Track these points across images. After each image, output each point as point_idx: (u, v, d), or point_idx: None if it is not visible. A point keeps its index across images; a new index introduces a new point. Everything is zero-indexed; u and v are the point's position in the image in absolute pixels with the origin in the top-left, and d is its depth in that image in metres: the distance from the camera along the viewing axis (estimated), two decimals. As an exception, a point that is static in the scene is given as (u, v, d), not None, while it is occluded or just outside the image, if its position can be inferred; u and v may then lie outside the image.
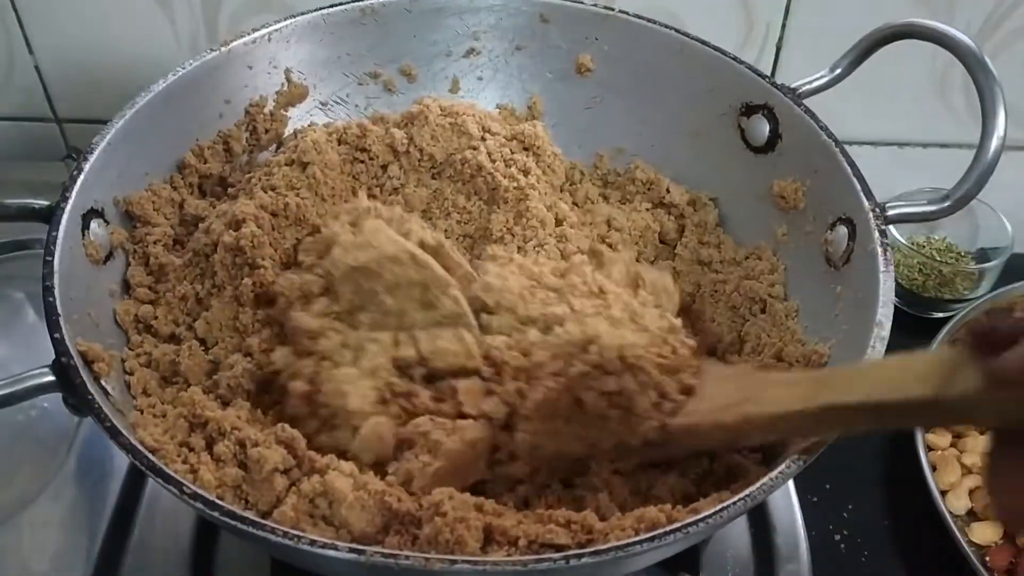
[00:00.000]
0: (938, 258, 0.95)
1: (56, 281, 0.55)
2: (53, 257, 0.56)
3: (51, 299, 0.55)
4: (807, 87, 0.71)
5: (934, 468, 0.78)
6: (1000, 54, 0.92)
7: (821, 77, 0.71)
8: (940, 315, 0.93)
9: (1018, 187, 0.96)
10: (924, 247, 0.97)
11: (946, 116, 0.97)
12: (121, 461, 0.72)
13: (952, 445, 0.80)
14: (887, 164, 1.01)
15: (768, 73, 0.72)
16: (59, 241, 0.58)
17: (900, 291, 0.94)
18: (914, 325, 0.94)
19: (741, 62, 0.73)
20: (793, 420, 0.50)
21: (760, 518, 0.73)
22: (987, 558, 0.73)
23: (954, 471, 0.77)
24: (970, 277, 0.93)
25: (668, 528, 0.46)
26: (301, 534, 0.45)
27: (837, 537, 0.77)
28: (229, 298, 0.63)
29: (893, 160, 1.01)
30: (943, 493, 0.76)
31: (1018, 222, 0.93)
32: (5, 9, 0.93)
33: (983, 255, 0.96)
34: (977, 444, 0.79)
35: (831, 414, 0.49)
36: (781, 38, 0.92)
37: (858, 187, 0.63)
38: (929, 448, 0.79)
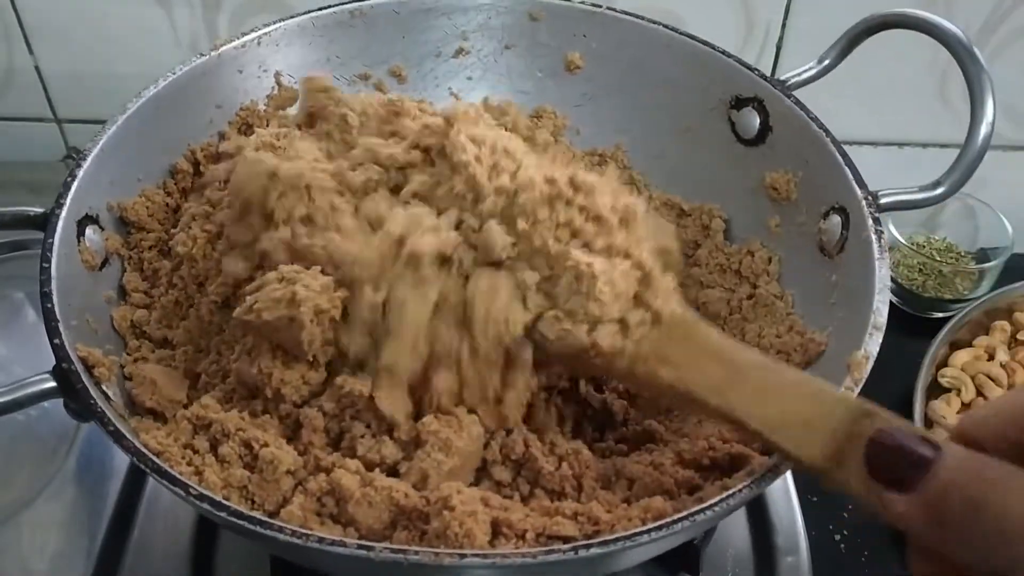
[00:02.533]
0: (938, 258, 0.96)
1: (54, 287, 0.55)
2: (50, 264, 0.56)
3: (49, 305, 0.54)
4: (796, 79, 0.71)
5: (934, 469, 0.78)
6: (1000, 54, 0.93)
7: (810, 69, 0.72)
8: (940, 315, 0.94)
9: (1018, 187, 0.97)
10: (924, 247, 0.98)
11: (946, 116, 0.97)
12: (121, 461, 0.72)
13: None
14: (887, 164, 1.02)
15: (768, 73, 0.72)
16: (55, 248, 0.57)
17: (900, 291, 0.95)
18: (914, 325, 0.94)
19: (730, 56, 0.73)
20: (699, 407, 0.52)
21: (760, 518, 0.73)
22: (987, 558, 0.73)
23: (954, 471, 0.78)
24: (970, 277, 0.94)
25: (675, 517, 0.46)
26: (309, 532, 0.45)
27: (837, 537, 0.77)
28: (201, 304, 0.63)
29: (893, 160, 1.02)
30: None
31: (1018, 222, 0.94)
32: (5, 9, 0.93)
33: (983, 255, 0.97)
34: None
35: (730, 419, 0.50)
36: (781, 38, 0.93)
37: (850, 176, 0.64)
38: (929, 449, 0.80)
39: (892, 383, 0.85)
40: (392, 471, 0.53)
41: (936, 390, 0.85)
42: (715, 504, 0.47)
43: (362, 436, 0.54)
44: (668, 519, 0.46)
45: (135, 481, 0.71)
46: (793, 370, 0.52)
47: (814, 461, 0.46)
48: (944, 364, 0.86)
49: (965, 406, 0.83)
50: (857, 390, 0.52)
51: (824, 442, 0.45)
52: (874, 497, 0.41)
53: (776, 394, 0.49)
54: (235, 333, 0.60)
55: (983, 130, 0.63)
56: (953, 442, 0.41)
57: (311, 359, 0.55)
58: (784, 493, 0.74)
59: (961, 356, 0.87)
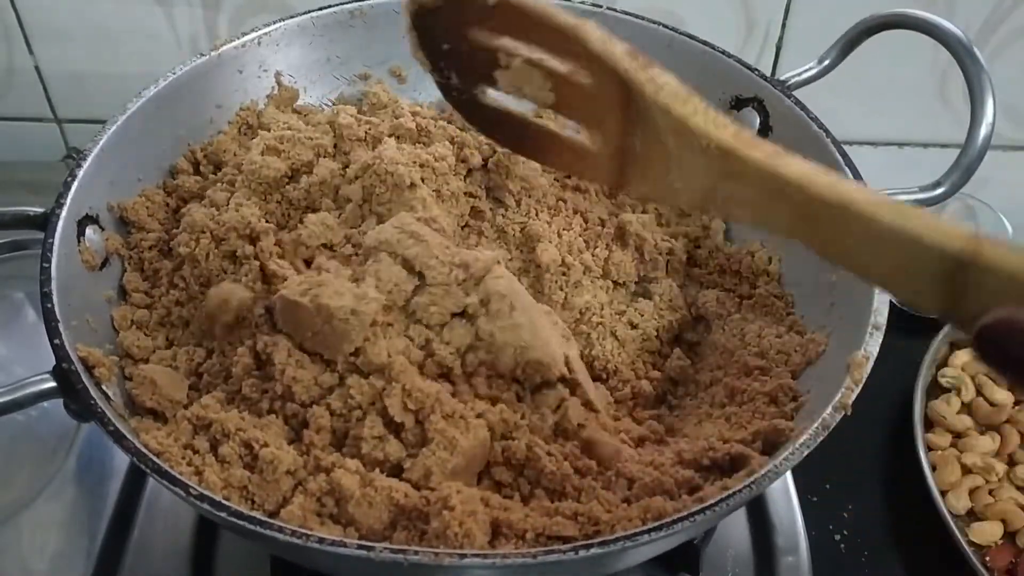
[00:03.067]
0: (939, 258, 0.95)
1: (54, 287, 0.55)
2: (50, 264, 0.56)
3: (49, 305, 0.54)
4: (796, 79, 0.71)
5: (934, 468, 0.78)
6: (1000, 54, 0.93)
7: (810, 69, 0.72)
8: (940, 315, 0.94)
9: (1018, 187, 0.97)
10: (925, 247, 0.97)
11: (946, 116, 0.97)
12: (121, 461, 0.72)
13: (952, 445, 0.81)
14: (887, 164, 1.02)
15: (768, 73, 0.72)
16: (55, 248, 0.58)
17: (900, 291, 0.95)
18: (914, 325, 0.94)
19: (730, 56, 0.73)
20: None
21: (760, 517, 0.73)
22: (987, 558, 0.73)
23: (954, 471, 0.78)
24: (971, 277, 0.93)
25: (674, 517, 0.46)
26: (309, 532, 0.45)
27: (837, 537, 0.77)
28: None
29: (893, 160, 1.02)
30: (943, 493, 0.76)
31: (1018, 222, 0.94)
32: (5, 9, 0.93)
33: (983, 255, 0.97)
34: (977, 444, 0.80)
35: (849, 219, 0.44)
36: (781, 38, 0.93)
37: (850, 175, 0.64)
38: (929, 448, 0.80)
39: (892, 383, 0.85)
40: (395, 470, 0.53)
41: (936, 390, 0.85)
42: (715, 504, 0.47)
43: (367, 437, 0.54)
44: (668, 519, 0.46)
45: (135, 481, 0.71)
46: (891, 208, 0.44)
47: (926, 309, 0.43)
48: (944, 364, 0.86)
49: (965, 406, 0.83)
50: (857, 391, 0.52)
51: (931, 290, 0.42)
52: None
53: (875, 240, 0.44)
54: (245, 330, 0.60)
55: (983, 131, 0.63)
56: None
57: (327, 362, 0.55)
58: (784, 493, 0.74)
59: (961, 356, 0.87)
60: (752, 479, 0.48)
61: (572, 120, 0.59)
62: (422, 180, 0.65)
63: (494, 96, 0.62)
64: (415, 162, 0.66)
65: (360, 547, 0.44)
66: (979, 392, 0.84)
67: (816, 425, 0.51)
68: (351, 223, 0.65)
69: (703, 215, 0.75)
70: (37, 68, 0.98)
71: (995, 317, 0.39)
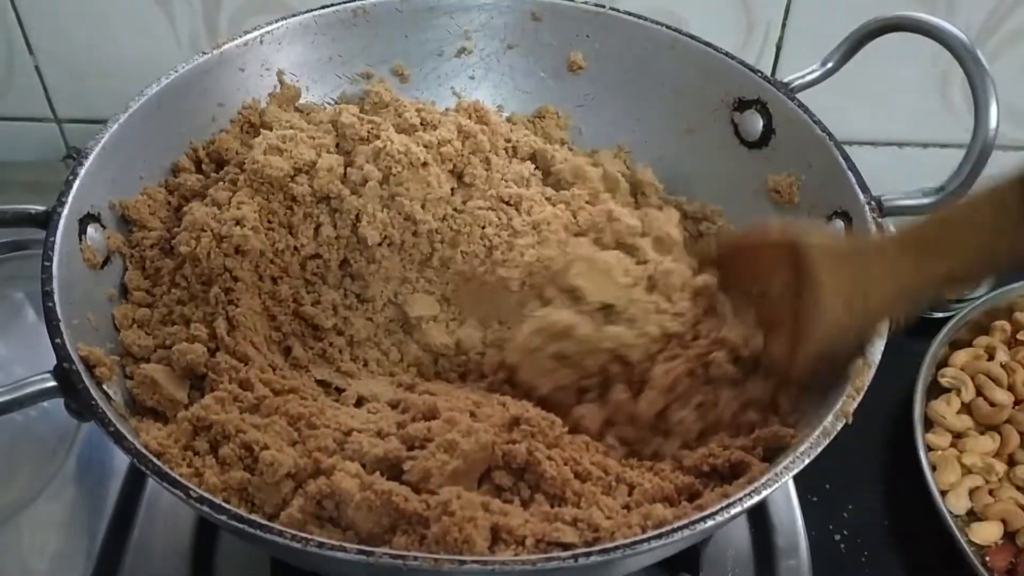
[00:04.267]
0: (939, 258, 0.95)
1: (55, 286, 0.55)
2: (52, 262, 0.56)
3: (51, 304, 0.54)
4: (799, 81, 0.71)
5: (934, 468, 0.78)
6: (1000, 54, 0.93)
7: (813, 71, 0.72)
8: (940, 315, 0.93)
9: (1018, 187, 0.96)
10: (925, 247, 0.97)
11: (946, 116, 0.97)
12: (121, 461, 0.72)
13: (952, 445, 0.80)
14: (887, 164, 1.01)
15: (769, 73, 0.72)
16: (57, 246, 0.57)
17: (900, 291, 0.95)
18: (914, 325, 0.94)
19: (733, 57, 0.73)
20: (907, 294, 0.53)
21: (760, 518, 0.73)
22: (987, 558, 0.73)
23: (954, 471, 0.77)
24: (970, 277, 0.93)
25: (675, 525, 0.46)
26: (309, 536, 0.45)
27: (837, 537, 0.77)
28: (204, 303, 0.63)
29: (893, 160, 1.02)
30: (943, 493, 0.76)
31: (1018, 222, 0.93)
32: (5, 9, 0.93)
33: (983, 255, 0.97)
34: (977, 444, 0.80)
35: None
36: (781, 38, 0.93)
37: (853, 180, 0.64)
38: (929, 448, 0.79)
39: (892, 383, 0.85)
40: (395, 472, 0.53)
41: (936, 390, 0.85)
42: (715, 513, 0.47)
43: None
44: (668, 527, 0.46)
45: (135, 481, 0.72)
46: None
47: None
48: (944, 364, 0.86)
49: (965, 406, 0.83)
50: (858, 399, 0.52)
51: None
52: None
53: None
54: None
55: (987, 135, 0.63)
56: None
57: None
58: (784, 493, 0.74)
59: (961, 356, 0.87)
60: (752, 487, 0.48)
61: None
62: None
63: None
64: (420, 143, 0.67)
65: (359, 552, 0.44)
66: (979, 392, 0.84)
67: (817, 433, 0.51)
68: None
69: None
70: (37, 68, 0.97)
71: None
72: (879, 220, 0.61)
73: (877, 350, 0.55)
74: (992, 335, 0.88)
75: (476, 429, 0.53)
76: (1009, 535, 0.75)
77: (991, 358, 0.86)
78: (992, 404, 0.82)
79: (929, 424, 0.82)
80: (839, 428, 0.51)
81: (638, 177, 0.77)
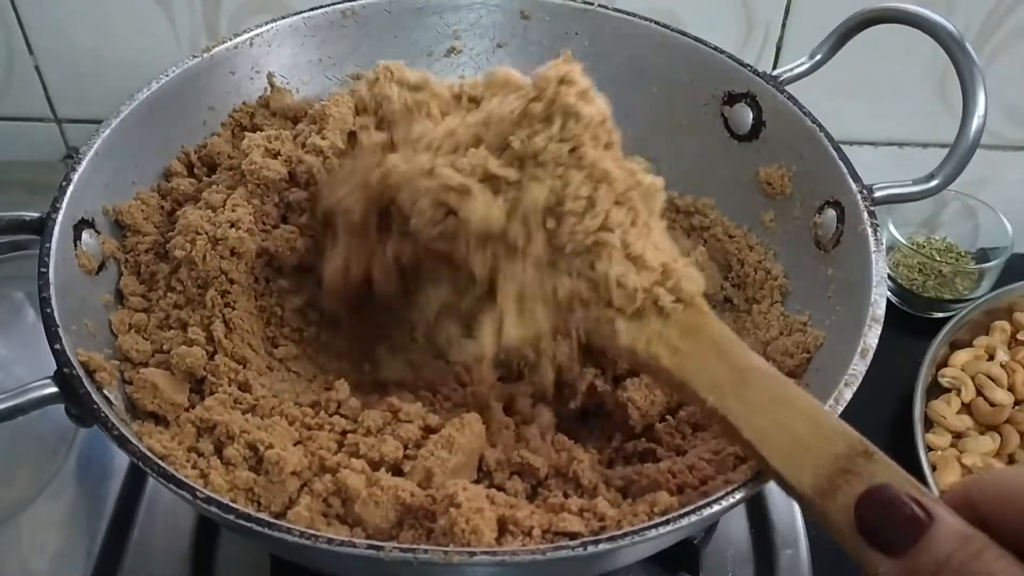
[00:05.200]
0: (938, 258, 0.96)
1: (52, 292, 0.55)
2: (48, 269, 0.56)
3: (49, 311, 0.54)
4: (788, 74, 0.72)
5: (934, 468, 0.78)
6: (1000, 54, 0.93)
7: (801, 64, 0.72)
8: (940, 315, 0.94)
9: (1018, 187, 0.97)
10: (924, 247, 0.98)
11: (946, 116, 0.98)
12: (121, 461, 0.72)
13: (952, 445, 0.81)
14: (887, 164, 1.02)
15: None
16: (52, 252, 0.57)
17: (900, 291, 0.96)
18: (914, 325, 0.95)
19: (722, 52, 0.74)
20: (695, 402, 0.51)
21: (760, 517, 0.74)
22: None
23: (954, 471, 0.78)
24: (970, 277, 0.94)
25: (681, 512, 0.46)
26: (319, 533, 0.45)
27: (837, 537, 0.77)
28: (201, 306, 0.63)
29: (893, 160, 1.02)
30: (943, 493, 0.76)
31: (1018, 222, 0.94)
32: (5, 9, 0.93)
33: (983, 255, 0.98)
34: (977, 444, 0.80)
35: (723, 423, 0.49)
36: (781, 38, 0.94)
37: (844, 170, 0.64)
38: (929, 448, 0.80)
39: (892, 383, 0.85)
40: (396, 471, 0.53)
41: (936, 390, 0.85)
42: (720, 498, 0.47)
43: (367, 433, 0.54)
44: (675, 514, 0.46)
45: (135, 481, 0.72)
46: (799, 390, 0.50)
47: (802, 486, 0.45)
48: (944, 364, 0.87)
49: (965, 406, 0.84)
50: (857, 383, 0.53)
51: (815, 469, 0.44)
52: (856, 549, 0.41)
53: (776, 408, 0.48)
54: None
55: (975, 122, 0.64)
56: (949, 506, 0.41)
57: None
58: (784, 493, 0.74)
59: (961, 356, 0.87)
60: (756, 473, 0.49)
61: None
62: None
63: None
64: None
65: (370, 547, 0.44)
66: (979, 392, 0.84)
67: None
68: None
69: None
70: (37, 68, 0.97)
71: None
72: (871, 208, 0.62)
73: (874, 335, 0.55)
74: (992, 335, 0.89)
75: (469, 420, 0.54)
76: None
77: (991, 358, 0.87)
78: (992, 404, 0.83)
79: (929, 424, 0.82)
80: (839, 413, 0.51)
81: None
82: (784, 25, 0.93)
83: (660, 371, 0.52)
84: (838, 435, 0.46)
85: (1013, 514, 0.38)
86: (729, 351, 0.51)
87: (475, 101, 0.59)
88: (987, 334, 0.89)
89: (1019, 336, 0.89)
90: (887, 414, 0.85)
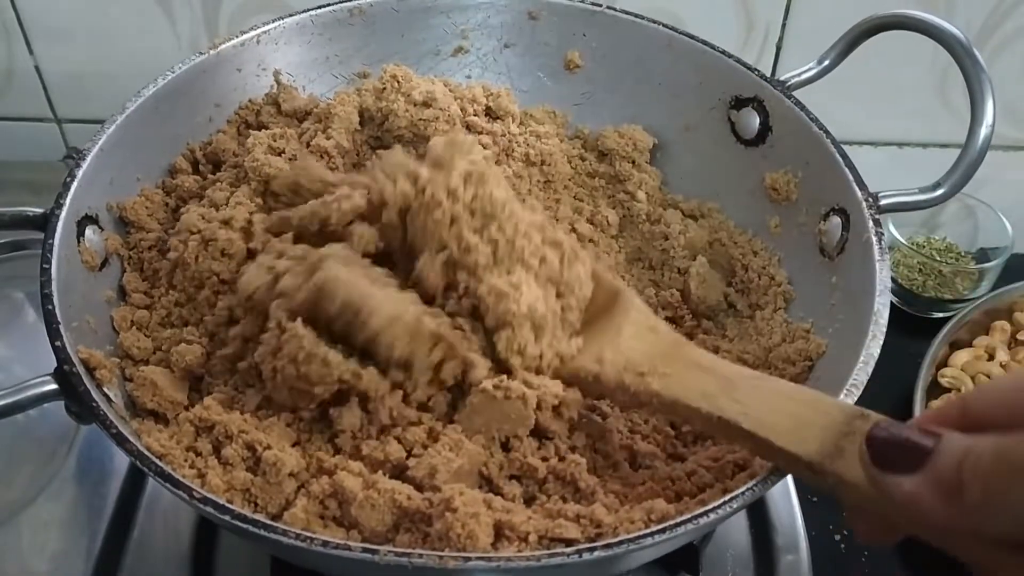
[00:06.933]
0: (938, 258, 0.96)
1: (54, 289, 0.55)
2: (51, 264, 0.56)
3: (50, 307, 0.54)
4: (796, 79, 0.71)
5: (934, 468, 0.78)
6: (1000, 54, 0.93)
7: (809, 69, 0.72)
8: (940, 315, 0.94)
9: (1018, 187, 0.97)
10: (924, 247, 0.98)
11: (946, 116, 0.97)
12: (121, 461, 0.72)
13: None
14: (887, 164, 1.02)
15: (768, 73, 0.72)
16: (55, 249, 0.57)
17: (900, 291, 0.95)
18: (914, 325, 0.94)
19: (730, 56, 0.73)
20: (690, 415, 0.52)
21: (760, 518, 0.73)
22: (986, 559, 0.73)
23: (954, 472, 0.78)
24: (970, 277, 0.94)
25: (678, 520, 0.46)
26: (314, 536, 0.45)
27: (837, 537, 0.77)
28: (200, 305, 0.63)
29: (893, 160, 1.02)
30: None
31: (1018, 222, 0.94)
32: (5, 9, 0.93)
33: (983, 255, 0.97)
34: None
35: (722, 425, 0.50)
36: (781, 38, 0.93)
37: (850, 177, 0.64)
38: (929, 448, 0.80)
39: (892, 383, 0.85)
40: (397, 471, 0.53)
41: (936, 390, 0.85)
42: (717, 507, 0.47)
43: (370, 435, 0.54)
44: (671, 521, 0.46)
45: (135, 481, 0.71)
46: (787, 382, 0.52)
47: (810, 455, 0.46)
48: (944, 364, 0.86)
49: (965, 406, 0.84)
50: (859, 392, 0.52)
51: (820, 438, 0.46)
52: (877, 481, 0.42)
53: (769, 398, 0.50)
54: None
55: (983, 132, 0.63)
56: (947, 414, 0.42)
57: None
58: (784, 493, 0.74)
59: (961, 356, 0.87)
60: (754, 482, 0.48)
61: None
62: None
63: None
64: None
65: (365, 550, 0.44)
66: (979, 392, 0.84)
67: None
68: None
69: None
70: (37, 68, 0.97)
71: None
72: (876, 217, 0.61)
73: (876, 344, 0.54)
74: (992, 335, 0.89)
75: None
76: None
77: (991, 358, 0.87)
78: (992, 405, 0.82)
79: (929, 424, 0.82)
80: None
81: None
82: (784, 26, 0.92)
83: (650, 395, 0.53)
84: (835, 408, 0.47)
85: (1004, 415, 0.39)
86: (711, 366, 0.54)
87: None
88: (987, 334, 0.89)
89: (1019, 336, 0.88)
90: (887, 414, 0.84)
